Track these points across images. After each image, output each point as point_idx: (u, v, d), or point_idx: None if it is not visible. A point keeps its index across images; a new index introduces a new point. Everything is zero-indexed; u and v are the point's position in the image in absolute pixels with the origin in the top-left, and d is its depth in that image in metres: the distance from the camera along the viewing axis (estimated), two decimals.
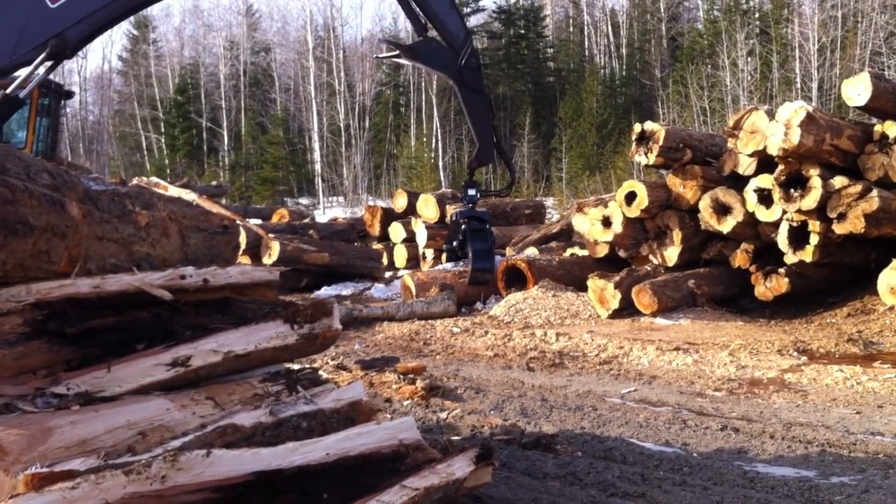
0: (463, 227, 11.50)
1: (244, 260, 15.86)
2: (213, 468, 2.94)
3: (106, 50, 73.43)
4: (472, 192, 11.73)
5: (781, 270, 11.51)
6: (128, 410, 3.14)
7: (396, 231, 20.30)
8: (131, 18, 65.07)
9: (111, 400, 3.18)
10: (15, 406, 2.98)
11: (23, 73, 9.25)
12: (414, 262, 19.51)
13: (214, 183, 38.21)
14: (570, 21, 66.77)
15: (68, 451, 2.85)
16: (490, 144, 11.53)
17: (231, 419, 3.31)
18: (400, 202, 20.68)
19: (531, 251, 16.25)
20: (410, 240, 19.78)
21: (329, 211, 45.60)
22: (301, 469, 3.22)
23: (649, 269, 12.73)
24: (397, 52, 12.07)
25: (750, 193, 11.37)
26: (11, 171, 3.14)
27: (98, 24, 9.14)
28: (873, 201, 10.43)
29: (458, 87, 11.72)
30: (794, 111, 10.67)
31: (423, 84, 54.93)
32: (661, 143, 12.35)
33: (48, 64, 9.14)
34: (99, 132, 69.30)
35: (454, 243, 11.88)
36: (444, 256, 15.57)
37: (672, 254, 12.53)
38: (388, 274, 18.52)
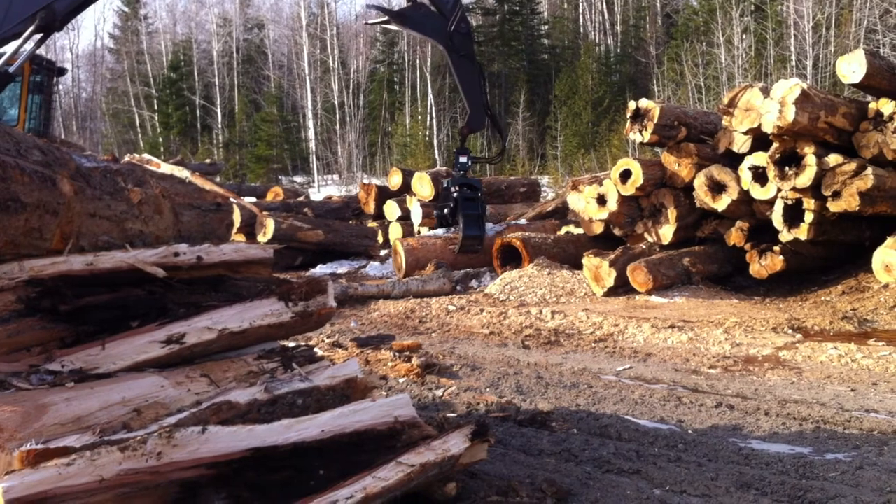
0: (454, 194, 11.44)
1: (238, 238, 15.84)
2: (208, 445, 2.95)
3: (98, 27, 73.00)
4: (463, 158, 11.65)
5: (776, 248, 11.52)
6: (123, 387, 3.14)
7: (391, 209, 20.28)
8: None
9: (106, 377, 3.18)
10: (9, 383, 2.98)
11: (11, 47, 9.21)
12: None
13: (209, 161, 38.14)
14: None
15: (63, 427, 2.84)
16: (481, 110, 11.67)
17: (226, 396, 3.31)
18: (395, 180, 20.63)
19: None
20: (405, 218, 19.77)
21: (324, 189, 45.53)
22: (297, 446, 3.22)
23: (644, 247, 12.73)
24: (386, 17, 11.96)
25: (745, 171, 11.35)
26: (2, 148, 3.11)
27: None
28: (868, 179, 10.42)
29: (447, 52, 11.60)
30: (788, 88, 10.64)
31: (417, 62, 54.77)
32: (655, 120, 12.31)
33: (37, 37, 9.10)
34: (92, 110, 68.97)
35: (445, 210, 11.75)
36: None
37: (667, 232, 12.53)
38: (383, 252, 18.52)
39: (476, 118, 11.73)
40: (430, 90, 52.93)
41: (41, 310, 3.22)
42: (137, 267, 3.50)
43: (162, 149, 55.22)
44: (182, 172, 16.66)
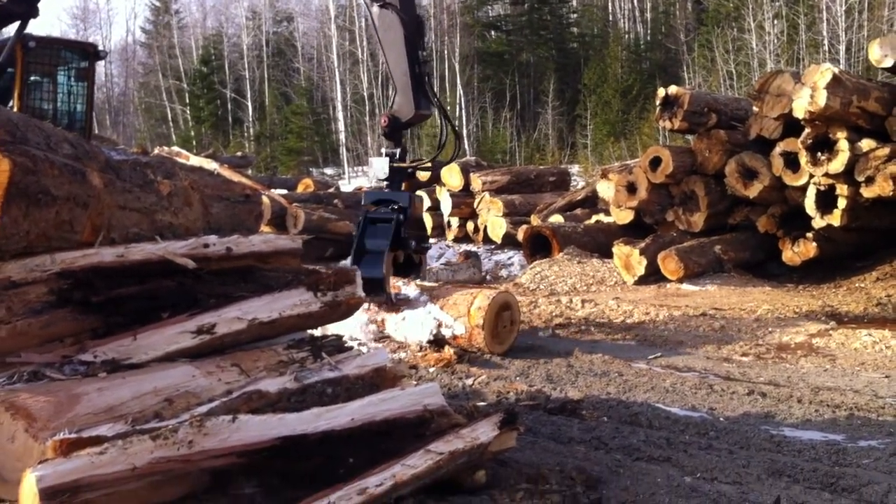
0: (360, 217, 8.27)
1: (267, 230, 15.90)
2: (239, 433, 2.97)
3: (129, 22, 73.46)
4: (378, 164, 8.54)
5: (809, 235, 11.41)
6: (154, 377, 3.17)
7: None
8: None
9: (137, 367, 3.22)
10: (42, 374, 3.02)
11: None
12: (439, 230, 19.47)
13: (240, 153, 38.32)
14: None
15: (96, 417, 2.88)
16: (409, 90, 8.41)
17: (256, 385, 3.34)
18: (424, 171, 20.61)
19: (556, 218, 16.20)
20: (436, 208, 19.74)
21: (354, 181, 45.65)
22: (326, 434, 3.24)
23: (675, 234, 12.65)
24: None
25: (776, 157, 11.25)
26: (32, 142, 3.15)
27: None
28: None
29: (365, 1, 8.58)
30: (820, 73, 10.52)
31: (446, 52, 54.66)
32: (685, 107, 12.23)
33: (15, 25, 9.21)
34: (124, 104, 69.52)
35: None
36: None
37: (698, 219, 12.45)
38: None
39: (403, 101, 8.38)
40: (458, 80, 52.79)
41: (73, 301, 3.25)
42: (167, 258, 3.53)
43: (194, 142, 55.51)
44: (210, 165, 16.76)
